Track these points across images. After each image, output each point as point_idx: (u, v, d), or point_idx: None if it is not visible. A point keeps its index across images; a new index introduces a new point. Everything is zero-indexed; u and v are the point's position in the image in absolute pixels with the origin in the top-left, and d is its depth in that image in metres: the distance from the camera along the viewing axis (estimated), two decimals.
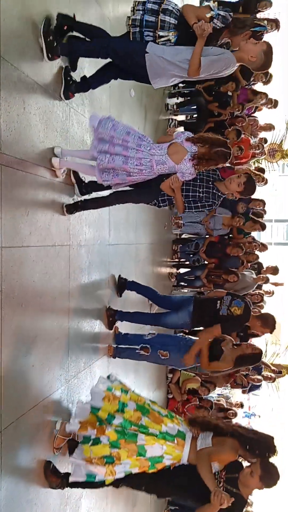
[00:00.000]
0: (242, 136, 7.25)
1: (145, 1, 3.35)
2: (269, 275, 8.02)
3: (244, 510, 3.07)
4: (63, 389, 3.43)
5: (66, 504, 3.44)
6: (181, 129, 8.19)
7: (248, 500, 3.10)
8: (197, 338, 4.32)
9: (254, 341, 6.02)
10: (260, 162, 10.74)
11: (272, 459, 3.01)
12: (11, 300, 2.67)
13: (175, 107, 8.48)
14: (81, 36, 3.52)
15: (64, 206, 3.48)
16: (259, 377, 7.60)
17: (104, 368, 4.41)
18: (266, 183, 7.94)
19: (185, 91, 8.59)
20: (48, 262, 3.19)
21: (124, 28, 3.46)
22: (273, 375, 7.90)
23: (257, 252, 7.94)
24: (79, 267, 3.84)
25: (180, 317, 4.52)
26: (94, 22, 3.63)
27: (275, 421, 19.98)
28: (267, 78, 7.65)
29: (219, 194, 4.02)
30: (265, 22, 5.81)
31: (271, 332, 5.34)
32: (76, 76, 3.59)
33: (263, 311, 7.14)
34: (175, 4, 3.37)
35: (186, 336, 4.65)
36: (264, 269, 8.12)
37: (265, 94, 7.96)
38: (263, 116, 9.06)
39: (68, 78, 3.44)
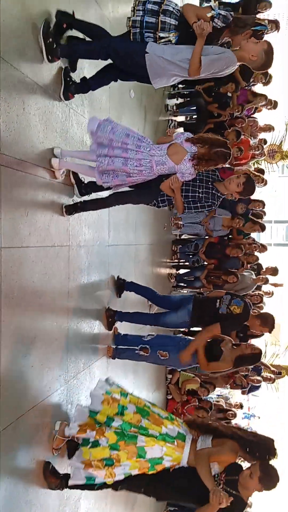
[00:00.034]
0: (242, 137, 7.26)
1: (145, 1, 3.34)
2: (268, 276, 8.03)
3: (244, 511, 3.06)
4: (62, 389, 3.43)
5: (65, 505, 3.44)
6: (181, 130, 8.20)
7: (248, 502, 3.09)
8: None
9: (253, 342, 6.01)
10: (260, 163, 10.74)
11: (272, 462, 3.00)
12: (10, 301, 2.67)
13: (174, 108, 8.49)
14: (81, 36, 3.52)
15: (64, 207, 3.48)
16: (259, 378, 7.60)
17: (103, 369, 4.41)
18: (265, 184, 7.94)
19: (185, 92, 8.60)
20: (47, 262, 3.19)
21: (124, 28, 3.46)
22: (272, 376, 7.90)
23: (256, 253, 7.94)
24: (78, 268, 3.84)
25: (180, 316, 4.53)
26: (94, 22, 3.62)
27: (275, 422, 19.97)
28: (267, 79, 7.66)
29: (219, 194, 4.02)
30: (266, 21, 5.82)
31: (270, 332, 5.35)
32: (76, 76, 3.60)
33: (262, 311, 7.14)
34: (176, 4, 3.35)
35: (186, 336, 4.65)
36: (264, 270, 8.12)
37: (265, 96, 7.97)
38: (262, 117, 9.07)
39: (68, 79, 3.44)
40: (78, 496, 3.65)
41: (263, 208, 7.83)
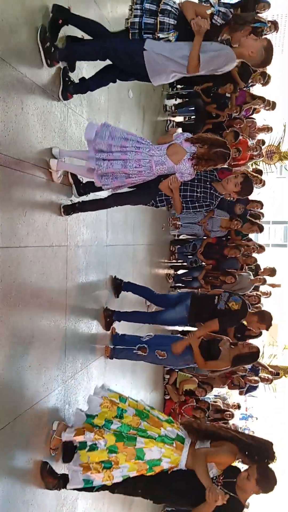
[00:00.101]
0: (240, 137, 7.27)
1: (143, 1, 3.30)
2: (266, 277, 8.03)
3: None
4: (60, 389, 3.43)
5: (63, 505, 3.43)
6: (180, 130, 8.20)
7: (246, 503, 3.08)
8: None
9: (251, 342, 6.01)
10: (258, 164, 10.76)
11: (271, 465, 2.99)
12: (8, 301, 2.67)
13: (173, 108, 8.49)
14: (79, 35, 3.51)
15: (62, 207, 3.48)
16: (256, 378, 7.61)
17: (101, 369, 4.41)
18: (263, 185, 7.95)
19: (184, 93, 8.61)
20: (45, 262, 3.18)
21: (123, 27, 3.44)
22: (270, 376, 7.91)
23: (254, 254, 7.94)
24: (76, 268, 3.84)
25: (178, 312, 4.53)
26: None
27: (273, 422, 19.99)
28: (266, 80, 7.67)
29: (217, 194, 4.02)
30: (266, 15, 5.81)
31: (267, 329, 5.36)
32: (75, 77, 3.60)
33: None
34: (174, 2, 3.31)
35: (184, 337, 4.65)
36: (262, 270, 8.13)
37: (262, 99, 7.98)
38: (261, 118, 9.08)
39: (67, 79, 3.43)
40: (75, 496, 3.65)
41: (261, 209, 7.83)
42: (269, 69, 7.66)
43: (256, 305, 7.48)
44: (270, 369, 8.20)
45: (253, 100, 7.89)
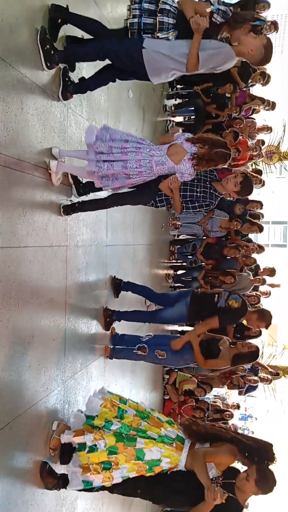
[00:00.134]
0: (240, 138, 7.26)
1: (141, 0, 3.28)
2: (266, 277, 8.04)
3: None
4: (59, 389, 3.43)
5: (62, 505, 3.43)
6: (181, 130, 8.19)
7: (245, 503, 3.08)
8: None
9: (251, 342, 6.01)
10: (258, 164, 10.76)
11: (271, 467, 2.99)
12: (8, 301, 2.67)
13: (173, 108, 8.49)
14: (78, 35, 3.51)
15: (62, 207, 3.48)
16: (256, 378, 7.61)
17: (100, 369, 4.41)
18: (263, 185, 7.95)
19: (183, 93, 8.61)
20: (45, 262, 3.18)
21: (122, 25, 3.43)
22: (269, 376, 7.91)
23: (254, 255, 7.94)
24: (76, 268, 3.84)
25: (178, 309, 4.53)
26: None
27: (272, 422, 19.98)
28: (265, 80, 7.67)
29: (217, 194, 4.02)
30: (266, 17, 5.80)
31: (266, 327, 5.36)
32: (74, 77, 3.60)
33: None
34: (173, 1, 3.30)
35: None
36: (261, 270, 8.13)
37: (262, 100, 7.98)
38: (260, 118, 9.08)
39: (67, 79, 3.43)
40: (75, 496, 3.65)
41: (261, 209, 7.83)
42: (269, 69, 7.68)
43: (256, 305, 7.47)
44: (270, 369, 8.20)
45: (253, 101, 7.89)
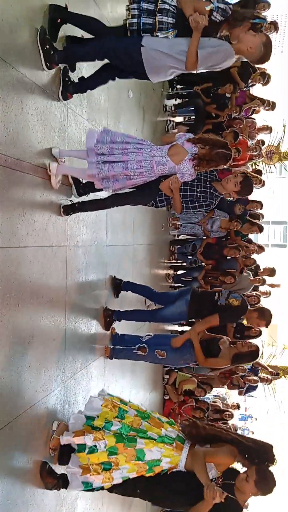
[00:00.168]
0: (240, 138, 7.26)
1: (140, 0, 3.27)
2: (266, 277, 8.04)
3: None
4: (59, 389, 3.43)
5: (62, 505, 3.43)
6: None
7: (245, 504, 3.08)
8: None
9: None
10: (258, 164, 10.76)
11: (271, 468, 2.98)
12: (8, 301, 2.67)
13: (173, 108, 8.49)
14: (78, 34, 3.51)
15: (61, 207, 3.48)
16: (256, 378, 7.61)
17: (100, 369, 4.41)
18: (263, 185, 7.95)
19: (183, 93, 8.61)
20: (45, 262, 3.18)
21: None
22: (269, 376, 7.91)
23: (254, 255, 7.94)
24: (76, 268, 3.84)
25: (178, 306, 4.53)
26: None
27: (272, 422, 19.98)
28: (265, 80, 7.67)
29: (217, 194, 4.02)
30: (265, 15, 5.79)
31: (266, 326, 5.37)
32: (74, 76, 3.60)
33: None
34: (172, 0, 3.29)
35: None
36: (261, 270, 8.13)
37: (261, 100, 7.98)
38: (260, 118, 9.08)
39: (66, 79, 3.43)
40: (74, 496, 3.65)
41: (261, 209, 7.83)
42: (269, 69, 7.68)
43: (256, 305, 7.48)
44: (270, 370, 8.20)
45: (252, 101, 7.89)
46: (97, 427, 3.12)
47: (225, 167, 3.62)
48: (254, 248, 7.75)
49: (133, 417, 3.20)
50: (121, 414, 3.20)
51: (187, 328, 7.62)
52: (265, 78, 7.63)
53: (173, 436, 3.16)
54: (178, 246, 8.72)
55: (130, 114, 5.74)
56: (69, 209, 3.54)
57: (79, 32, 3.51)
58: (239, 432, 8.87)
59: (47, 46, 3.09)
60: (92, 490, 3.10)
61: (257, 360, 5.71)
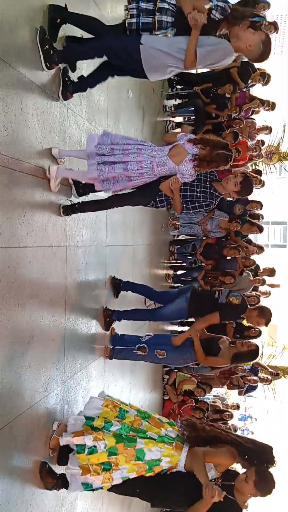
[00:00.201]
0: (240, 138, 7.26)
1: (139, 0, 3.26)
2: (266, 277, 8.04)
3: None
4: (59, 390, 3.43)
5: (62, 505, 3.43)
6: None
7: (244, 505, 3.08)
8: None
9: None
10: (257, 164, 10.75)
11: (270, 469, 2.98)
12: (7, 301, 2.67)
13: (172, 108, 8.49)
14: (78, 34, 3.50)
15: (61, 207, 3.48)
16: (255, 378, 7.61)
17: (100, 369, 4.41)
18: (263, 185, 7.95)
19: (183, 93, 8.60)
20: (44, 263, 3.18)
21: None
22: (269, 377, 7.91)
23: (253, 256, 7.93)
24: (76, 268, 3.84)
25: (177, 303, 4.54)
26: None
27: (272, 423, 19.98)
28: (265, 80, 7.66)
29: (217, 194, 4.02)
30: (264, 10, 5.78)
31: (266, 324, 5.38)
32: (74, 76, 3.59)
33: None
34: None
35: None
36: (261, 270, 8.13)
37: (261, 101, 7.98)
38: (260, 118, 9.07)
39: (66, 79, 3.43)
40: (74, 497, 3.65)
41: (261, 209, 7.83)
42: (269, 69, 7.68)
43: (256, 305, 7.48)
44: (270, 370, 8.20)
45: (251, 101, 7.89)
46: (96, 427, 3.12)
47: (225, 168, 3.62)
48: (253, 250, 7.75)
49: (133, 417, 3.20)
50: (122, 414, 3.20)
51: (186, 328, 7.62)
52: (265, 78, 7.62)
53: (173, 436, 3.16)
54: (178, 246, 8.72)
55: (130, 115, 5.74)
56: (69, 210, 3.54)
57: (78, 32, 3.51)
58: (239, 432, 8.88)
59: (47, 46, 3.09)
60: (92, 490, 3.10)
61: (257, 360, 5.72)
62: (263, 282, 7.97)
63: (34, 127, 3.02)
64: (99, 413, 3.20)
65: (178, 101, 8.75)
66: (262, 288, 8.27)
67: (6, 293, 2.65)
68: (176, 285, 8.60)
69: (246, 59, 7.31)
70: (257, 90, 8.60)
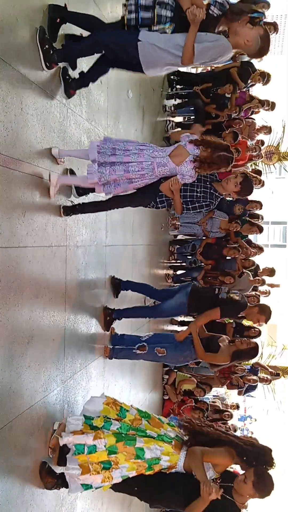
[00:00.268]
0: (239, 138, 7.26)
1: None
2: (265, 277, 8.04)
3: None
4: (59, 390, 3.43)
5: (62, 505, 3.43)
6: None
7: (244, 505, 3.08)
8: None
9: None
10: (257, 164, 10.76)
11: (269, 471, 2.98)
12: (7, 301, 2.67)
13: (172, 108, 8.49)
14: (77, 32, 3.50)
15: (61, 207, 3.48)
16: (255, 377, 7.61)
17: (100, 369, 4.41)
18: (263, 185, 7.95)
19: (183, 93, 8.60)
20: (44, 262, 3.18)
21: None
22: (269, 377, 7.91)
23: (253, 256, 7.93)
24: (75, 268, 3.84)
25: (177, 298, 4.54)
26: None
27: (272, 423, 19.98)
28: (265, 80, 7.67)
29: (217, 194, 4.02)
30: (264, 10, 5.76)
31: (266, 321, 5.38)
32: (74, 73, 3.59)
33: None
34: None
35: None
36: (261, 270, 8.13)
37: (260, 102, 7.98)
38: (260, 119, 9.08)
39: (67, 77, 3.43)
40: (74, 496, 3.65)
41: (261, 209, 7.83)
42: (268, 69, 7.68)
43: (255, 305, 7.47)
44: (269, 370, 8.20)
45: (251, 102, 7.90)
46: (96, 426, 3.12)
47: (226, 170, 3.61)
48: (252, 252, 7.73)
49: (134, 416, 3.21)
50: (123, 413, 3.20)
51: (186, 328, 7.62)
52: (265, 78, 7.63)
53: (172, 436, 3.17)
54: (178, 246, 8.72)
55: (130, 114, 5.74)
56: (69, 210, 3.54)
57: (78, 32, 3.51)
58: (238, 432, 8.88)
59: (47, 46, 3.09)
60: (92, 490, 3.10)
61: (256, 359, 5.72)
62: (263, 282, 7.98)
63: (34, 127, 3.02)
64: (100, 411, 3.20)
65: (178, 101, 8.75)
66: (261, 288, 8.28)
67: (6, 293, 2.65)
68: (176, 285, 8.60)
69: (246, 59, 7.34)
70: (257, 90, 8.60)
